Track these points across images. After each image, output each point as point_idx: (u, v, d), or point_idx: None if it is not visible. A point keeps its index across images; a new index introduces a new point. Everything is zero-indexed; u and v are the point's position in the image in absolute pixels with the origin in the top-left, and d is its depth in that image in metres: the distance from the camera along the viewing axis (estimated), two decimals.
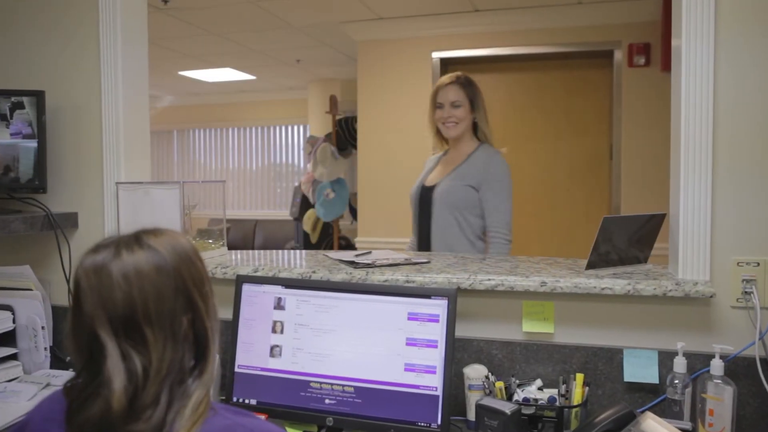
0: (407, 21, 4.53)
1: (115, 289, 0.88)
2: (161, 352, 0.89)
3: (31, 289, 1.91)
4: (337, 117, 5.73)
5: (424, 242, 2.33)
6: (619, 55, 4.24)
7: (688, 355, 1.47)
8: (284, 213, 7.48)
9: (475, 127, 2.38)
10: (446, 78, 2.37)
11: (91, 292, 0.88)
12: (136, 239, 0.93)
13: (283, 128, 8.11)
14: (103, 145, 2.01)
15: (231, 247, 2.17)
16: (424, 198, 2.34)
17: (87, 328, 0.89)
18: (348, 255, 1.98)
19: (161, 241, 0.93)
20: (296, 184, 6.84)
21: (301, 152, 7.86)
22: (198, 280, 0.95)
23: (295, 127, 8.04)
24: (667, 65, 3.97)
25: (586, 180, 4.51)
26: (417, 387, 1.47)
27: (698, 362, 1.51)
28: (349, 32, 4.75)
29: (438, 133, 2.41)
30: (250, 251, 2.20)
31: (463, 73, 2.38)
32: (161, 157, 8.63)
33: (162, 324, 0.89)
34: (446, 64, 4.68)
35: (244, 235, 7.67)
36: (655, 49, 4.11)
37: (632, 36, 4.18)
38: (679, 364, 1.46)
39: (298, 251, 2.35)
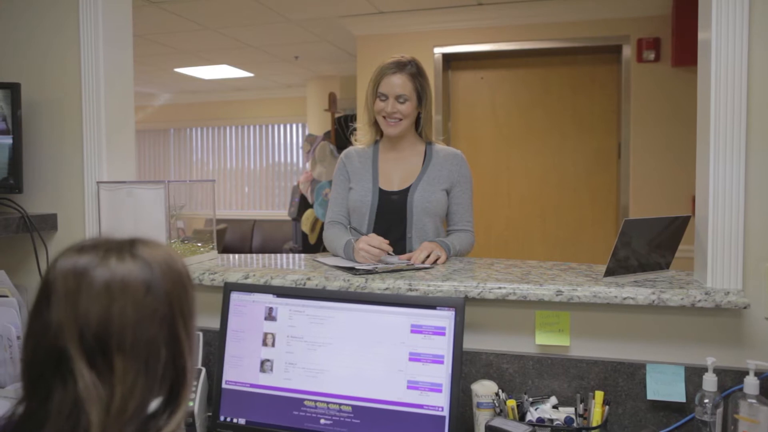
0: (408, 15, 4.41)
1: (93, 300, 0.74)
2: (129, 387, 0.74)
3: (6, 296, 1.79)
4: (337, 115, 5.62)
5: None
6: (627, 51, 4.13)
7: (718, 372, 1.35)
8: (282, 213, 7.36)
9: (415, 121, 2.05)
10: (392, 64, 1.98)
11: (66, 299, 0.75)
12: (130, 247, 0.79)
13: (282, 127, 7.99)
14: (84, 141, 1.89)
15: (228, 248, 2.05)
16: (389, 204, 2.01)
17: (50, 339, 0.74)
18: (344, 261, 1.85)
19: (157, 256, 0.79)
20: (294, 183, 6.72)
21: (300, 151, 7.74)
22: (187, 311, 0.81)
23: (294, 126, 7.92)
24: (678, 60, 3.85)
25: (592, 179, 4.39)
26: (421, 407, 1.35)
27: (730, 379, 1.38)
28: (348, 27, 4.64)
29: (375, 124, 2.07)
30: (242, 255, 2.07)
31: (412, 58, 2.01)
32: (158, 156, 8.51)
33: (137, 354, 0.75)
34: (448, 60, 4.57)
35: (242, 236, 7.55)
36: (666, 44, 4.00)
37: (641, 30, 4.06)
38: (709, 382, 1.33)
39: (293, 255, 2.22)
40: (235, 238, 7.44)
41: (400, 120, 1.98)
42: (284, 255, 2.16)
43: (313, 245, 5.75)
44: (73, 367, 0.73)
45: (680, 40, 3.79)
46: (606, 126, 4.34)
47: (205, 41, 5.21)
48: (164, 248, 0.82)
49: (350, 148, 2.14)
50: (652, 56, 4.01)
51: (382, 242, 1.79)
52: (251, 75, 6.73)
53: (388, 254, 1.79)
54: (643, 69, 4.07)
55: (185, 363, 0.81)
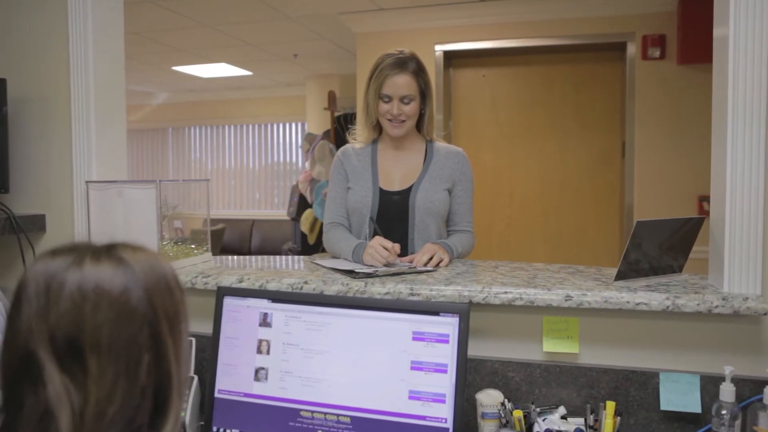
0: (409, 12, 4.35)
1: (63, 301, 0.70)
2: (108, 390, 0.70)
3: None
4: (336, 114, 5.56)
5: None
6: (632, 48, 4.05)
7: (736, 381, 1.28)
8: (282, 213, 7.29)
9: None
10: (394, 63, 1.87)
11: (37, 301, 0.71)
12: (108, 250, 0.75)
13: (281, 126, 7.93)
14: (73, 140, 1.83)
15: (227, 249, 1.99)
16: (390, 204, 1.94)
17: (21, 344, 0.71)
18: (344, 263, 1.78)
19: (138, 257, 0.76)
20: (294, 183, 6.66)
21: (299, 150, 7.68)
22: (172, 313, 0.76)
23: (293, 125, 7.86)
24: (684, 58, 3.79)
25: (596, 179, 4.33)
26: (423, 418, 1.28)
27: (748, 389, 1.32)
28: (347, 24, 4.57)
29: (376, 125, 1.99)
30: (237, 257, 2.01)
31: (411, 52, 1.92)
32: (156, 156, 8.45)
33: (114, 354, 0.71)
34: (450, 58, 4.50)
35: (240, 236, 7.49)
36: (671, 41, 3.93)
37: (646, 27, 3.99)
38: (727, 392, 1.27)
39: (291, 257, 2.15)
40: (233, 239, 7.38)
41: (404, 121, 1.91)
42: (281, 257, 2.09)
43: (312, 245, 5.69)
44: (43, 371, 0.69)
45: (686, 37, 3.72)
46: (610, 125, 4.28)
47: (204, 39, 5.15)
48: (149, 251, 0.78)
49: (347, 146, 2.07)
50: (657, 54, 3.94)
51: (395, 248, 1.73)
52: (250, 73, 6.67)
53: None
54: (647, 67, 4.00)
55: (170, 367, 0.75)
